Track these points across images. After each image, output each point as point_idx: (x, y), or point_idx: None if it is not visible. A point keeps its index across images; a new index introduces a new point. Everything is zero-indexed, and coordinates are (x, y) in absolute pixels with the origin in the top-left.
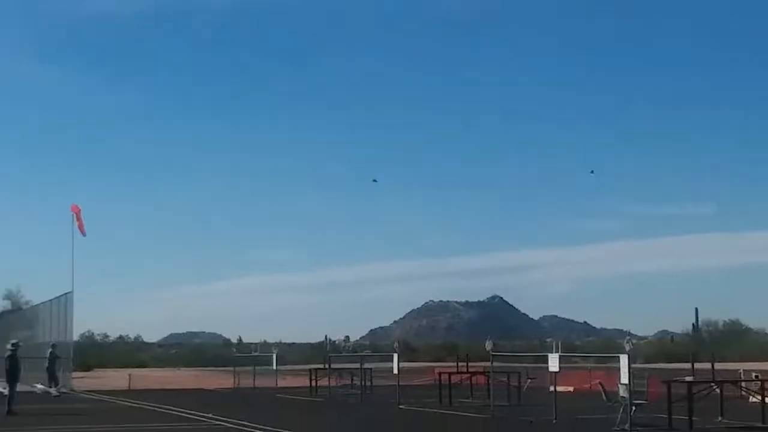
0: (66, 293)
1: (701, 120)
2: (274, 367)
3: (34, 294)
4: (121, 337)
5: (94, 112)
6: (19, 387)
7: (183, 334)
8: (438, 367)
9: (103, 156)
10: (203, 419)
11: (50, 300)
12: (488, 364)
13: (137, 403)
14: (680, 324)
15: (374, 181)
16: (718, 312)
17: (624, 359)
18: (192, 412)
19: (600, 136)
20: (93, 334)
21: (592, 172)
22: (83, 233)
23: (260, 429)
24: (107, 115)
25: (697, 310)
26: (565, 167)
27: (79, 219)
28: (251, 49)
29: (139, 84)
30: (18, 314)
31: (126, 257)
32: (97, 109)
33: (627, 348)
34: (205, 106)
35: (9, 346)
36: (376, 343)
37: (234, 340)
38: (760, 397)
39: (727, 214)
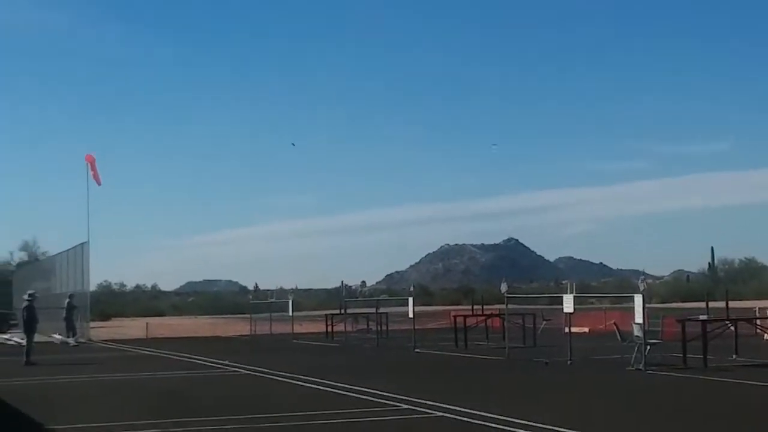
0: (82, 243)
1: (717, 58)
2: (290, 314)
3: (51, 245)
4: (137, 286)
5: (108, 61)
6: (37, 337)
7: (200, 282)
8: (454, 310)
9: (118, 104)
10: (219, 366)
11: (66, 250)
12: (504, 306)
13: (154, 352)
14: (697, 263)
15: (293, 144)
16: (734, 250)
17: (638, 299)
18: (208, 359)
19: (614, 75)
20: (110, 283)
21: (494, 145)
22: (99, 183)
23: (275, 374)
24: (122, 64)
25: (713, 249)
26: (580, 109)
27: (93, 168)
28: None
29: (155, 33)
30: (35, 265)
31: (142, 206)
32: (112, 57)
33: (641, 288)
34: (219, 53)
35: (26, 297)
36: (393, 288)
37: (251, 288)
38: None
39: (743, 151)
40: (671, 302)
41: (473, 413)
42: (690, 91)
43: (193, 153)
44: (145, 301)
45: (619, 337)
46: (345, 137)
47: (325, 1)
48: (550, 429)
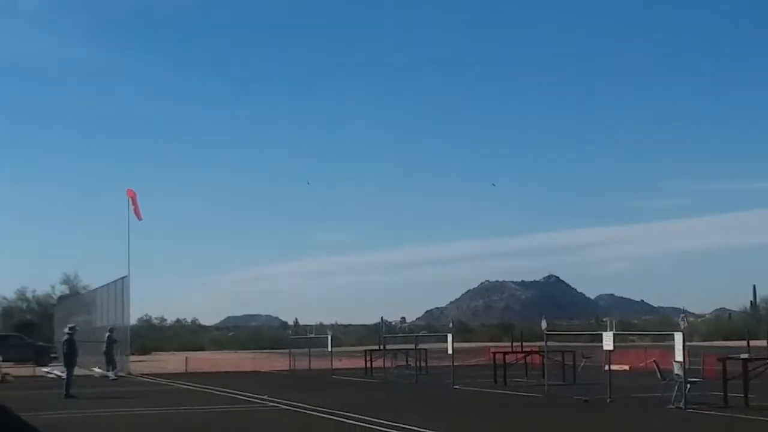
0: (122, 277)
1: (760, 96)
2: (329, 349)
3: (92, 279)
4: (178, 320)
5: (151, 94)
6: (77, 371)
7: (240, 317)
8: (493, 347)
9: (160, 139)
10: (259, 401)
11: (107, 284)
12: (543, 343)
13: (194, 386)
14: (738, 301)
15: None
16: None
17: (678, 337)
18: (247, 393)
19: (655, 114)
20: (150, 317)
21: (493, 185)
22: (139, 217)
23: (314, 410)
24: (163, 98)
25: (755, 287)
26: (621, 146)
27: (134, 203)
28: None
29: (195, 66)
30: (76, 299)
31: (183, 241)
32: (154, 90)
33: (682, 325)
34: (260, 89)
35: (66, 330)
36: (432, 324)
37: (290, 323)
38: None
39: None
40: (712, 340)
41: None
42: (729, 125)
43: (236, 187)
44: (185, 336)
45: (659, 375)
46: (387, 175)
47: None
48: None
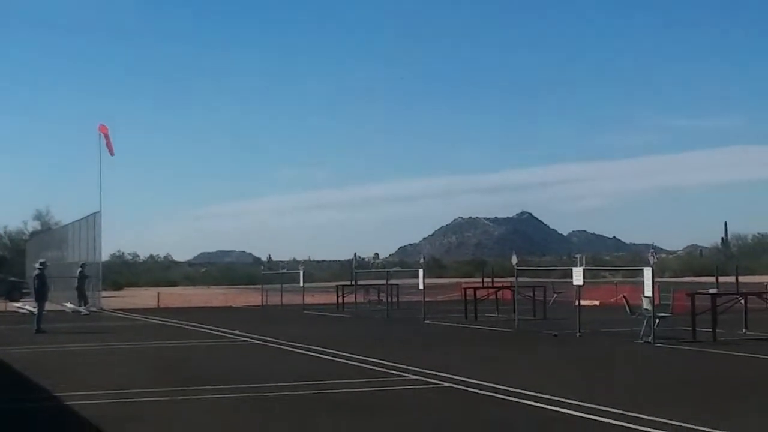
0: (94, 213)
1: (733, 34)
2: (302, 284)
3: (64, 214)
4: (151, 256)
5: (124, 33)
6: (49, 306)
7: (213, 253)
8: (465, 282)
9: (132, 76)
10: (229, 335)
11: (79, 220)
12: (514, 279)
13: (165, 321)
14: (710, 238)
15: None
16: (748, 226)
17: (648, 272)
18: (218, 328)
19: (630, 49)
20: (123, 253)
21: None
22: (112, 153)
23: (284, 344)
24: (138, 36)
25: (726, 224)
26: (595, 83)
27: (107, 139)
28: None
29: (171, 5)
30: (48, 234)
31: (155, 177)
32: (128, 29)
33: (651, 261)
34: (238, 23)
35: (37, 266)
36: (406, 260)
37: (264, 259)
38: None
39: (758, 126)
40: (684, 277)
41: (480, 384)
42: (706, 65)
43: (209, 124)
44: (158, 272)
45: (628, 310)
46: (360, 112)
47: None
48: (555, 400)
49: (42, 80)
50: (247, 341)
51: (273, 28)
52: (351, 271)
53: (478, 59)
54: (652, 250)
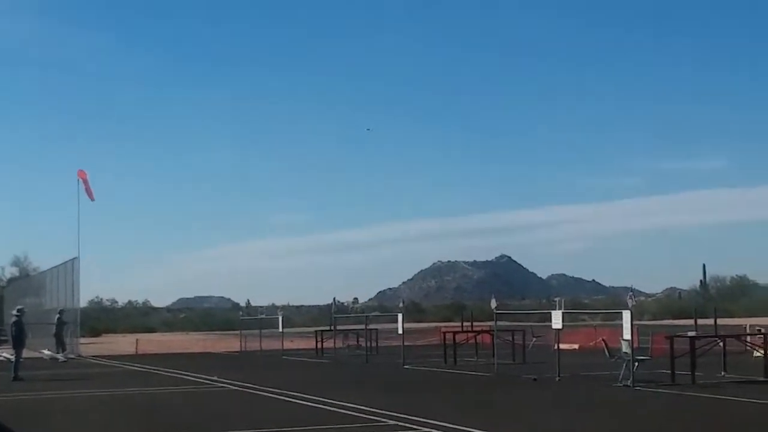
0: (72, 259)
1: (715, 76)
2: (281, 330)
3: (42, 260)
4: (129, 302)
5: (102, 76)
6: (27, 353)
7: (192, 298)
8: (444, 326)
9: (111, 120)
10: (208, 382)
11: (57, 266)
12: (493, 323)
13: (144, 368)
14: (689, 281)
15: (368, 129)
16: (726, 268)
17: (626, 315)
18: (197, 375)
19: (610, 91)
20: (101, 299)
21: (368, 129)
22: (92, 198)
23: (263, 390)
24: (115, 79)
25: (704, 266)
26: (574, 125)
27: (86, 184)
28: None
29: (148, 47)
30: (25, 281)
31: (135, 223)
32: (105, 72)
33: (629, 303)
34: (212, 69)
35: (14, 312)
36: (385, 305)
37: (243, 304)
38: (763, 352)
39: (738, 169)
40: (662, 319)
41: (458, 429)
42: (684, 106)
43: (186, 169)
44: (137, 318)
45: (607, 354)
46: (338, 156)
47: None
48: None
49: (20, 123)
50: (226, 387)
51: (249, 70)
52: (330, 315)
53: (457, 102)
54: (631, 293)
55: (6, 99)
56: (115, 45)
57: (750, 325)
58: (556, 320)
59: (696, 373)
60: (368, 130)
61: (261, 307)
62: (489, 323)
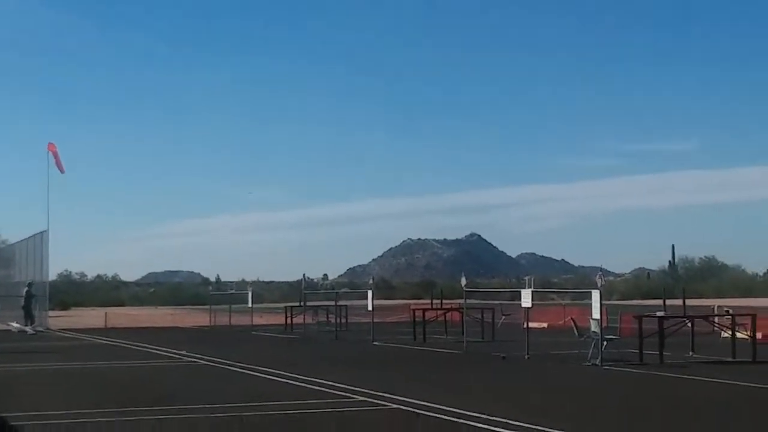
0: (41, 232)
1: (687, 58)
2: (250, 305)
3: (11, 233)
4: (98, 276)
5: (71, 49)
6: None
7: (162, 273)
8: (414, 304)
9: (79, 92)
10: (176, 356)
11: (26, 239)
12: (463, 301)
13: (112, 341)
14: (658, 261)
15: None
16: (695, 249)
17: (596, 295)
18: (166, 349)
19: (582, 71)
20: (70, 273)
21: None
22: (62, 170)
23: (232, 365)
24: (84, 51)
25: (673, 247)
26: (546, 104)
27: (56, 157)
28: None
29: (121, 23)
30: None
31: (105, 196)
32: (74, 45)
33: (599, 283)
34: (185, 36)
35: None
36: (355, 281)
37: (213, 279)
38: (731, 333)
39: (708, 151)
40: (632, 299)
41: (427, 405)
42: (657, 88)
43: (158, 142)
44: (106, 292)
45: (576, 333)
46: (310, 131)
47: None
48: (502, 422)
49: None
50: (195, 362)
51: (230, 48)
52: (300, 292)
53: (432, 82)
54: (600, 273)
55: None
56: (82, 19)
57: (718, 306)
58: (526, 299)
59: (664, 353)
60: (250, 193)
61: (231, 282)
62: (458, 301)
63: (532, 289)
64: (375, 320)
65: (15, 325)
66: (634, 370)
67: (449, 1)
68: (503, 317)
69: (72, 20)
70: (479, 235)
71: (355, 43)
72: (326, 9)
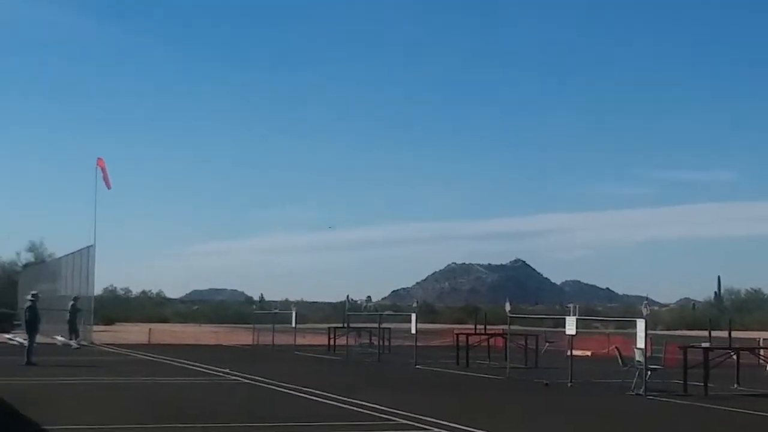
0: (88, 246)
1: (732, 87)
2: (293, 325)
3: (58, 247)
4: (143, 292)
5: (122, 67)
6: (40, 339)
7: (205, 291)
8: (457, 328)
9: (131, 110)
10: (219, 374)
11: (72, 253)
12: (507, 326)
13: (155, 357)
14: (703, 292)
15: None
16: (741, 280)
17: (641, 324)
18: (209, 366)
19: (628, 101)
20: (115, 288)
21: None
22: (109, 186)
23: (274, 385)
24: (138, 70)
25: (719, 278)
26: (593, 134)
27: (104, 172)
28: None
29: (167, 39)
30: (41, 267)
31: (152, 213)
32: (125, 62)
33: (644, 312)
34: (236, 66)
35: (29, 297)
36: (398, 304)
37: (256, 298)
38: None
39: (753, 181)
40: (676, 330)
41: (467, 430)
42: (705, 118)
43: (208, 161)
44: (150, 308)
45: (620, 362)
46: (358, 153)
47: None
48: None
49: (40, 110)
50: (237, 380)
51: (267, 65)
52: (343, 313)
53: (475, 108)
54: (646, 302)
55: (25, 84)
56: (134, 36)
57: (764, 339)
58: (570, 326)
59: (708, 385)
60: (330, 228)
61: (275, 301)
62: (502, 326)
63: (577, 316)
64: (418, 344)
65: (60, 338)
66: (678, 401)
67: (485, 22)
68: (547, 344)
69: (126, 36)
70: (524, 261)
71: (401, 71)
72: (353, 29)
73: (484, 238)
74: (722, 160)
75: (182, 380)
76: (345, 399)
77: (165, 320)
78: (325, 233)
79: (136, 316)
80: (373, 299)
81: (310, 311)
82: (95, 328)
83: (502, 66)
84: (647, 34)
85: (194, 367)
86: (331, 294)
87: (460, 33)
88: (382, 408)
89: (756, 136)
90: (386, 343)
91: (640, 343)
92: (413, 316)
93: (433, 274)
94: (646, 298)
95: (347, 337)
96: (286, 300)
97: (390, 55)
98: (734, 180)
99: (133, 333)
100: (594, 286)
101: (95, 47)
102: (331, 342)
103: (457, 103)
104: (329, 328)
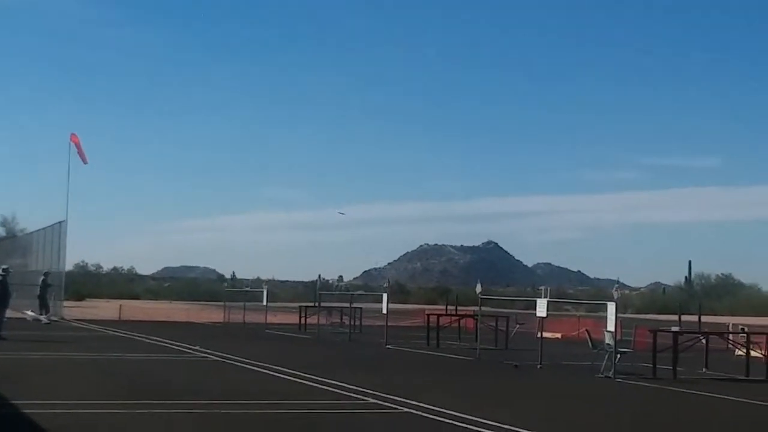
0: (60, 222)
1: (713, 73)
2: (265, 303)
3: (30, 222)
4: (114, 268)
5: (98, 42)
6: (10, 313)
7: (177, 268)
8: (428, 309)
9: (105, 85)
10: (189, 351)
11: (44, 228)
12: (478, 308)
13: (126, 334)
14: (674, 276)
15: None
16: (712, 266)
17: (611, 307)
18: (178, 343)
19: (607, 85)
20: (87, 264)
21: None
22: (85, 161)
23: (244, 362)
24: (113, 45)
25: (690, 263)
26: (568, 116)
27: (78, 147)
28: None
29: (148, 14)
30: (12, 241)
31: (125, 189)
32: (103, 38)
33: (615, 296)
34: (215, 41)
35: None
36: (370, 284)
37: (228, 276)
38: (745, 351)
39: (732, 168)
40: (646, 314)
41: (437, 410)
42: (682, 105)
43: (180, 138)
44: (121, 284)
45: (590, 344)
46: (333, 134)
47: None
48: (511, 430)
49: (12, 85)
50: (207, 357)
51: (257, 43)
52: (315, 292)
53: (454, 90)
54: (617, 286)
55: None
56: (111, 10)
57: (733, 324)
58: (541, 308)
59: (677, 369)
60: (341, 213)
61: (246, 279)
62: (473, 308)
63: (548, 299)
64: (389, 324)
65: (30, 313)
66: (647, 384)
67: (470, 18)
68: (517, 326)
69: (104, 13)
70: (496, 243)
71: (383, 56)
72: (347, 21)
73: (457, 220)
74: (697, 145)
75: (152, 357)
76: (315, 378)
77: (136, 297)
78: (298, 213)
79: (107, 293)
80: (345, 279)
81: (281, 290)
82: (66, 303)
83: (480, 44)
84: (633, 22)
85: (164, 344)
86: (303, 273)
87: (449, 31)
88: (352, 387)
89: (731, 124)
90: (357, 323)
91: (611, 326)
92: (384, 296)
93: (406, 254)
94: (617, 282)
95: (318, 317)
96: (258, 278)
97: (368, 41)
98: (708, 165)
99: (104, 309)
100: (566, 269)
101: (70, 21)
102: (302, 321)
103: (435, 88)
104: (300, 306)
